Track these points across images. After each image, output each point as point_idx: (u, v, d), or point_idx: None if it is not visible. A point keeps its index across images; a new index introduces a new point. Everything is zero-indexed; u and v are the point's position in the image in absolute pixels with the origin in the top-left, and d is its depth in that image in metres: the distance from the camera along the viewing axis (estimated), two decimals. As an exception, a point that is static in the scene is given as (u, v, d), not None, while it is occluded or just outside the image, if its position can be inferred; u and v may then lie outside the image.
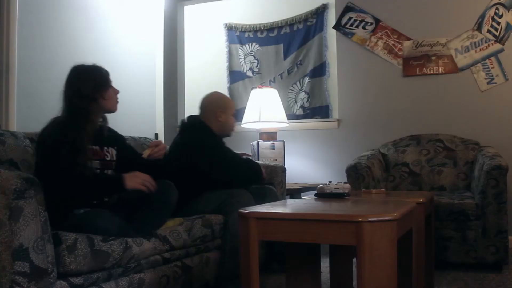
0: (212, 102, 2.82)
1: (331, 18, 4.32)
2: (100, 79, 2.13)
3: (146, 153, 2.19)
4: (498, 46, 3.62)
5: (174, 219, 2.14)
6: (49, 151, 1.92)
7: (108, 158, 2.17)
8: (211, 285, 2.22)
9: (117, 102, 2.19)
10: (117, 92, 2.19)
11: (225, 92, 4.91)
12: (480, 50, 3.66)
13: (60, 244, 1.58)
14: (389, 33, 3.89)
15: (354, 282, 2.08)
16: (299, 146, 4.10)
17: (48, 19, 3.85)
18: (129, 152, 2.34)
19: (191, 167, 2.56)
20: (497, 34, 3.62)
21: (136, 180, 1.97)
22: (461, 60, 3.70)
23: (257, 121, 3.89)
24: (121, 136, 2.37)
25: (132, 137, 2.89)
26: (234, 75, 4.89)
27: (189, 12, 4.82)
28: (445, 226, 2.86)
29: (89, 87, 2.08)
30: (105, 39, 4.37)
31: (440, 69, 3.75)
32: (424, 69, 3.79)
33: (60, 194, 1.86)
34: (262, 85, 4.49)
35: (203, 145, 2.64)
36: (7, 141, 2.14)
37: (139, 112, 4.51)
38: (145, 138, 3.06)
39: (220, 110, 2.78)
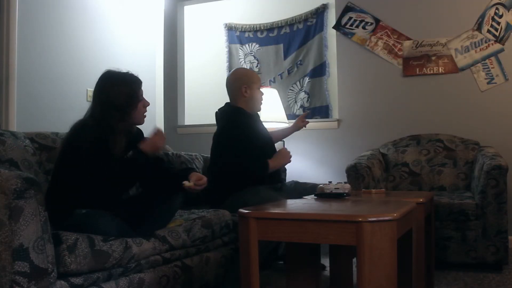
0: (236, 80, 2.84)
1: (331, 18, 4.32)
2: (133, 92, 2.07)
3: (186, 184, 2.07)
4: (498, 46, 3.62)
5: (174, 221, 2.14)
6: (86, 157, 1.88)
7: None
8: (211, 285, 2.22)
9: (144, 115, 2.14)
10: (147, 104, 2.13)
11: (225, 92, 4.91)
12: (480, 50, 3.66)
13: (61, 244, 1.58)
14: (389, 33, 3.89)
15: (354, 282, 2.08)
16: (299, 146, 4.10)
17: (48, 19, 3.85)
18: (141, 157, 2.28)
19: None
20: (497, 34, 3.62)
21: (152, 146, 1.99)
22: (461, 60, 3.70)
23: (257, 121, 3.89)
24: (141, 138, 2.29)
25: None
26: (234, 75, 4.89)
27: (189, 12, 4.82)
28: (445, 226, 2.86)
29: (122, 99, 2.03)
30: (105, 39, 4.37)
31: (440, 69, 3.75)
32: (424, 69, 3.79)
33: (89, 197, 1.86)
34: (262, 85, 4.48)
35: (222, 133, 2.73)
36: (7, 141, 2.14)
37: (139, 112, 4.51)
38: (146, 138, 3.05)
39: (245, 86, 2.80)
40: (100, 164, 1.89)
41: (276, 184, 2.80)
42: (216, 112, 2.95)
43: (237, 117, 2.79)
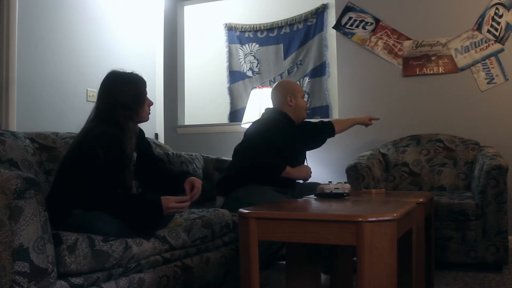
0: (281, 90, 2.95)
1: (331, 18, 4.32)
2: (141, 91, 2.09)
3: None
4: (498, 46, 3.62)
5: (174, 221, 2.14)
6: (94, 164, 1.86)
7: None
8: (211, 285, 2.22)
9: (149, 113, 2.17)
10: (151, 104, 2.16)
11: (225, 92, 4.93)
12: (480, 50, 3.66)
13: (61, 244, 1.58)
14: (389, 33, 3.89)
15: (354, 282, 2.09)
16: (299, 146, 4.10)
17: (48, 19, 3.85)
18: (148, 159, 2.29)
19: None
20: (497, 34, 3.62)
21: (171, 207, 1.95)
22: (461, 60, 3.70)
23: (257, 121, 3.89)
24: (146, 141, 2.33)
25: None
26: (234, 75, 4.90)
27: (189, 12, 4.82)
28: (445, 226, 2.86)
29: (130, 98, 2.04)
30: (105, 39, 4.37)
31: (440, 69, 3.75)
32: (424, 69, 3.79)
33: (95, 208, 1.84)
34: (262, 85, 4.48)
35: (263, 121, 2.79)
36: (7, 141, 2.14)
37: (139, 112, 4.51)
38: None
39: (290, 95, 2.90)
40: (107, 191, 1.89)
41: (285, 188, 2.81)
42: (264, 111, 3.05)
43: (281, 118, 2.87)
